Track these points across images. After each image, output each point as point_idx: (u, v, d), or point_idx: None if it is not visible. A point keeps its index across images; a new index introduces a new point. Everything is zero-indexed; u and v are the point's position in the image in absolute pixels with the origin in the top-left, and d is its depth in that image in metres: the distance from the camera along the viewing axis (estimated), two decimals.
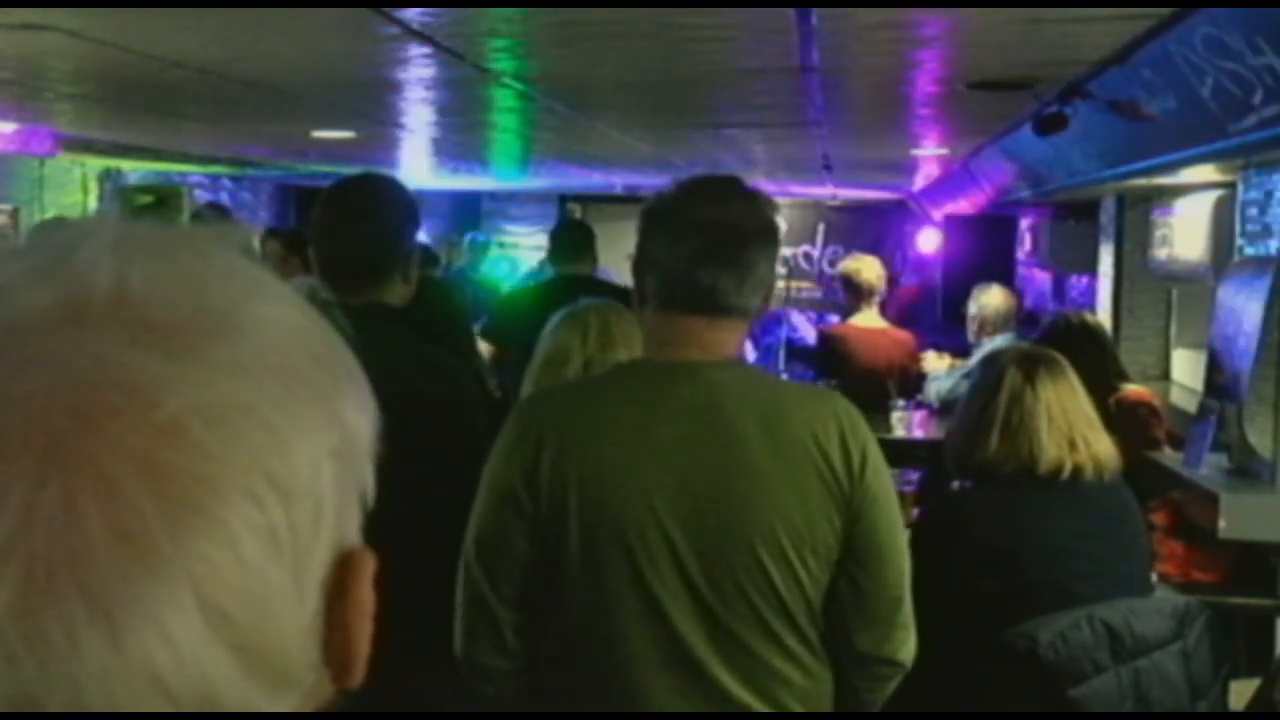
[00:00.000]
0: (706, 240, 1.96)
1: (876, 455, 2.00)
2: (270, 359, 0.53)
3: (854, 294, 6.25)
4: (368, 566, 0.57)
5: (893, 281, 7.48)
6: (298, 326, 0.56)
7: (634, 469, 1.92)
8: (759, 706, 1.94)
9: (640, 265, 2.05)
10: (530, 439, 1.96)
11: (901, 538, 2.06)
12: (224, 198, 9.77)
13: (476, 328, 5.16)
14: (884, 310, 6.42)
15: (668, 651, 1.91)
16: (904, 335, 6.34)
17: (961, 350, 6.35)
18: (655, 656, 1.91)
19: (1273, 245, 4.44)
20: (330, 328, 0.59)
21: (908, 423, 5.80)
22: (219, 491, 0.49)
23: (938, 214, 10.12)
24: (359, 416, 0.57)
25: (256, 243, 4.95)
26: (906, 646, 2.05)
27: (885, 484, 2.02)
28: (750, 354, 8.06)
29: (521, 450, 1.95)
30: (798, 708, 1.97)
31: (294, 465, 0.52)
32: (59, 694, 0.46)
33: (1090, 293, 7.66)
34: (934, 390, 6.06)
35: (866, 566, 1.98)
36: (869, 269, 6.29)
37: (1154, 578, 3.18)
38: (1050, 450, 2.71)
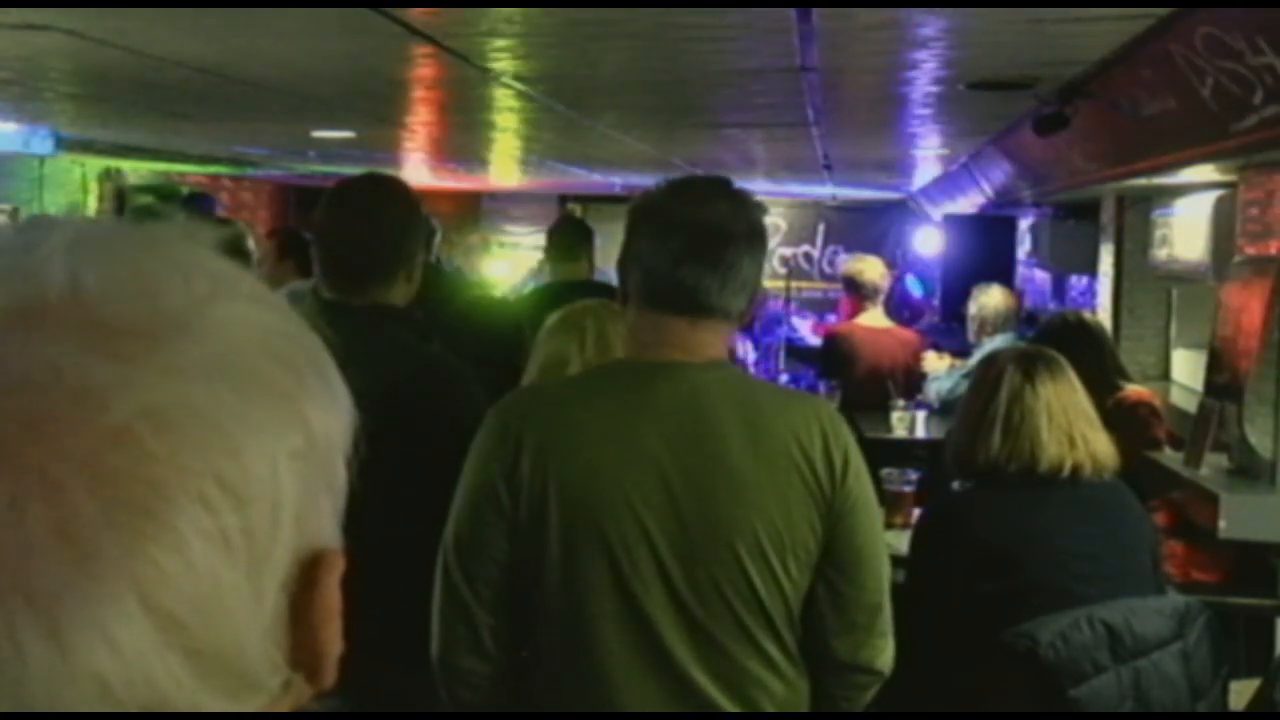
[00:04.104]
0: (690, 240, 1.94)
1: (858, 460, 1.99)
2: (226, 360, 0.52)
3: (858, 294, 6.25)
4: (335, 567, 0.57)
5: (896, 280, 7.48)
6: (261, 326, 0.55)
7: (615, 470, 1.90)
8: (734, 710, 1.92)
9: (625, 263, 2.03)
10: (510, 439, 1.93)
11: (881, 544, 2.05)
12: (224, 198, 9.77)
13: None
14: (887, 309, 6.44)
15: (646, 653, 1.90)
16: (909, 335, 6.35)
17: (961, 350, 6.35)
18: (633, 658, 1.90)
19: (1273, 245, 4.44)
20: (302, 326, 0.58)
21: (908, 423, 5.79)
22: (166, 496, 0.49)
23: (937, 214, 10.12)
24: (327, 417, 0.57)
25: (252, 242, 4.92)
26: (884, 655, 2.02)
27: (866, 489, 2.01)
28: (750, 354, 8.06)
29: (501, 450, 1.93)
30: (774, 712, 1.96)
31: (247, 468, 0.51)
32: (2, 696, 0.46)
33: (1090, 293, 7.66)
34: (934, 390, 6.06)
35: (846, 572, 1.96)
36: (872, 269, 6.29)
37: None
38: (1050, 448, 2.71)
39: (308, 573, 0.55)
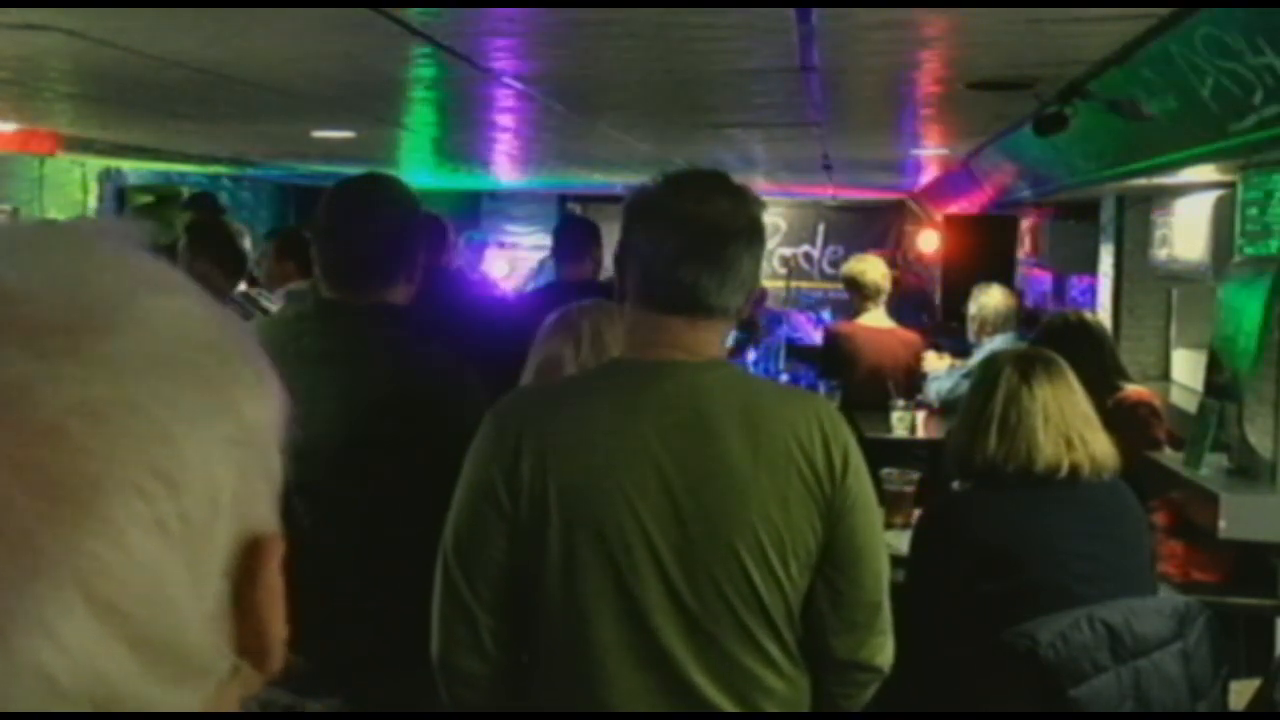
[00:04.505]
0: (688, 238, 1.92)
1: (857, 458, 1.98)
2: (154, 351, 0.53)
3: (860, 295, 6.26)
4: (275, 552, 0.57)
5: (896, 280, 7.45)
6: (188, 317, 0.56)
7: (615, 470, 1.89)
8: (734, 710, 1.92)
9: (622, 260, 2.02)
10: (509, 439, 1.93)
11: (881, 542, 2.04)
12: (224, 198, 9.76)
13: None
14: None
15: (645, 654, 1.89)
16: (911, 335, 6.35)
17: (961, 350, 6.35)
18: (633, 658, 1.90)
19: (1273, 245, 4.44)
20: (231, 317, 0.59)
21: (908, 423, 5.80)
22: (102, 488, 0.49)
23: (938, 214, 10.13)
24: (259, 404, 0.57)
25: (248, 241, 4.91)
26: (884, 652, 2.01)
27: (866, 487, 2.00)
28: (750, 354, 8.05)
29: (501, 451, 1.93)
30: (774, 711, 1.95)
31: (182, 456, 0.52)
32: None
33: (1090, 293, 7.66)
34: (934, 390, 6.06)
35: (846, 571, 1.95)
36: (874, 269, 6.30)
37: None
38: (1047, 449, 2.72)
39: (249, 558, 0.56)
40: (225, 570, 0.54)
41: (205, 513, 0.53)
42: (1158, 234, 6.31)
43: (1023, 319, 6.21)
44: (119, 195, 9.13)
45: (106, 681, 0.49)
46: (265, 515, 0.58)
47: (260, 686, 0.58)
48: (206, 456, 0.53)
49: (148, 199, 9.15)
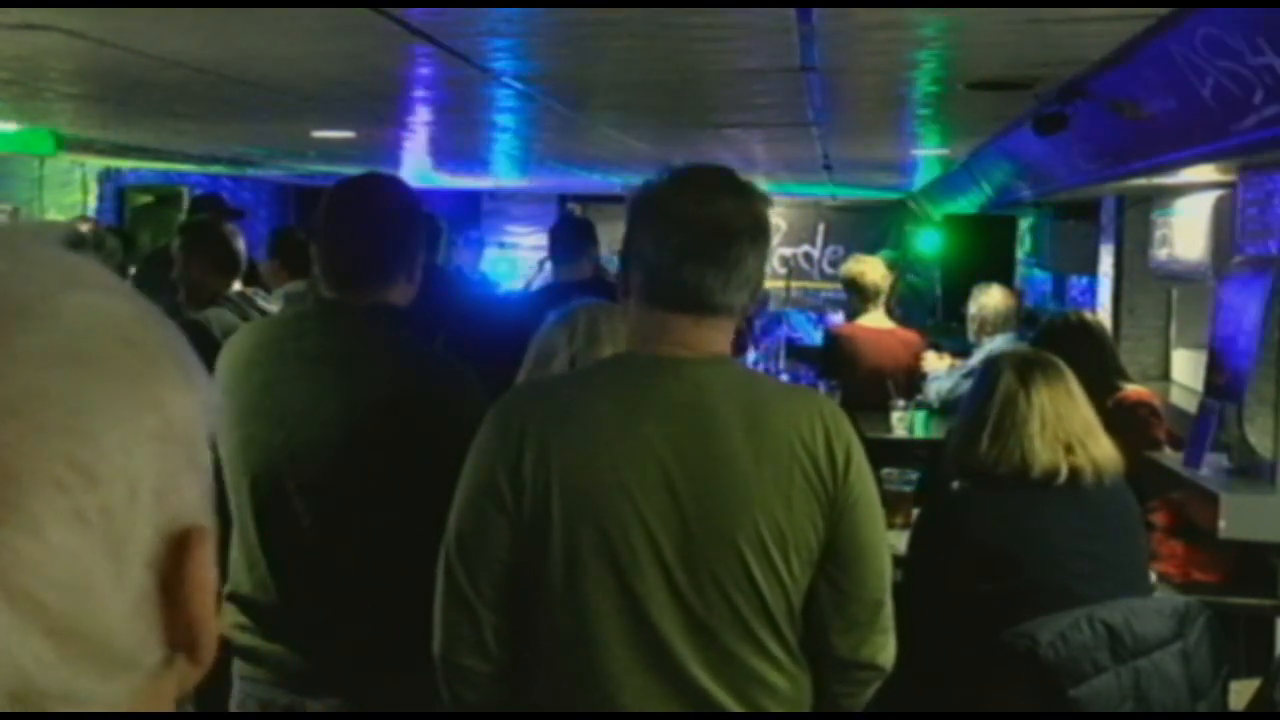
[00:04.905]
0: (693, 237, 1.92)
1: (860, 456, 1.97)
2: (73, 346, 0.53)
3: (859, 295, 6.27)
4: (204, 544, 0.57)
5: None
6: (110, 313, 0.56)
7: (617, 466, 1.89)
8: (736, 708, 1.92)
9: (626, 257, 2.02)
10: (513, 435, 1.93)
11: (884, 540, 2.04)
12: (223, 198, 9.76)
13: None
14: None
15: (647, 650, 1.89)
16: (911, 336, 6.36)
17: (961, 350, 6.35)
18: (634, 655, 1.90)
19: (1273, 245, 4.44)
20: (155, 313, 0.59)
21: (908, 423, 5.80)
22: (19, 481, 0.49)
23: (937, 214, 10.13)
24: (184, 398, 0.58)
25: (242, 242, 4.89)
26: (886, 650, 2.01)
27: (868, 485, 1.99)
28: (750, 354, 8.06)
29: (504, 446, 1.93)
30: (775, 710, 1.95)
31: (101, 449, 0.52)
32: None
33: (1090, 293, 7.66)
34: (934, 390, 6.07)
35: (848, 569, 1.95)
36: (873, 270, 6.31)
37: (1153, 577, 3.19)
38: (1043, 455, 2.71)
39: (176, 551, 0.56)
40: (149, 562, 0.54)
41: (125, 506, 0.53)
42: (1158, 234, 6.30)
43: (1023, 319, 6.21)
44: (119, 195, 9.12)
45: (23, 674, 0.49)
46: (192, 509, 0.58)
47: (197, 679, 0.58)
48: (126, 449, 0.53)
49: (148, 199, 9.15)
